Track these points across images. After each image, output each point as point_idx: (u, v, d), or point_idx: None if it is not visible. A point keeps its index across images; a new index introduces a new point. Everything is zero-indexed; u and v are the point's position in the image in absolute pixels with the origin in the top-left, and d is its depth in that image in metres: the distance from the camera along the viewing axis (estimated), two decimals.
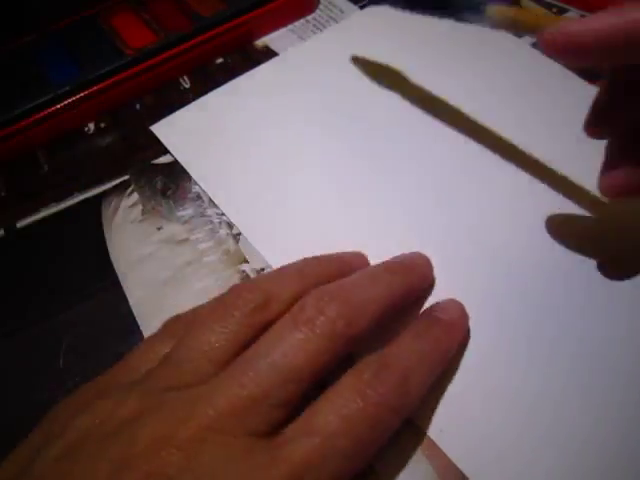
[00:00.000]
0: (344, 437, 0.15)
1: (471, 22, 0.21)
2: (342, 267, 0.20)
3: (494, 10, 0.20)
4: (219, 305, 0.18)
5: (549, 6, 0.32)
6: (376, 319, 0.18)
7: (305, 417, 0.15)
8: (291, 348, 0.16)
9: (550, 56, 0.17)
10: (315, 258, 0.21)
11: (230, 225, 0.25)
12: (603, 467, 0.17)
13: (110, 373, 0.18)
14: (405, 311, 0.20)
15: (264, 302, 0.17)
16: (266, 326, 0.17)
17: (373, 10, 0.33)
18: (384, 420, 0.15)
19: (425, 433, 0.18)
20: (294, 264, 0.20)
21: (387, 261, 0.21)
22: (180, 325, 0.18)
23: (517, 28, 0.20)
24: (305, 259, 0.21)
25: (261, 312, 0.17)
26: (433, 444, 0.18)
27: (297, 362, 0.16)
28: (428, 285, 0.21)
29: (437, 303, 0.20)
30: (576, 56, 0.16)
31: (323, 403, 0.15)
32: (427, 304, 0.21)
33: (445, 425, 0.18)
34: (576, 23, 0.16)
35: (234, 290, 0.18)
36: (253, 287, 0.18)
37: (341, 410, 0.15)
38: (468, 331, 0.20)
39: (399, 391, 0.16)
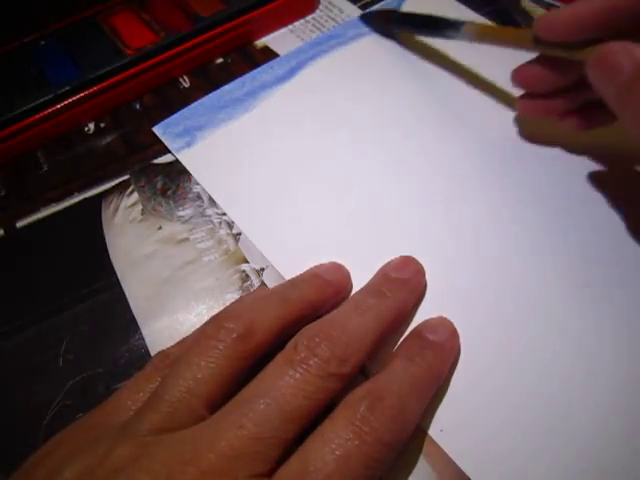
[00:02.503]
0: (341, 478, 0.14)
1: (453, 39, 0.25)
2: (323, 289, 0.20)
3: (470, 27, 0.24)
4: (201, 337, 0.17)
5: (548, 6, 0.32)
6: (368, 352, 0.18)
7: (301, 455, 0.15)
8: (288, 388, 0.16)
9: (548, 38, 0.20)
10: (294, 282, 0.20)
11: (230, 225, 0.25)
12: (602, 466, 0.17)
13: (98, 413, 0.17)
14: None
15: (246, 331, 0.17)
16: (251, 356, 0.17)
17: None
18: (379, 458, 0.15)
19: (425, 433, 0.18)
20: (275, 289, 0.20)
21: (376, 281, 0.20)
22: (167, 361, 0.18)
23: (492, 41, 0.23)
24: (284, 284, 0.21)
25: (244, 342, 0.17)
26: (433, 444, 0.18)
27: (295, 402, 0.16)
28: (419, 295, 0.21)
29: (427, 321, 0.20)
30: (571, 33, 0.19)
31: (319, 440, 0.15)
32: (422, 305, 0.21)
33: (445, 425, 0.18)
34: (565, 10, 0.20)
35: (215, 320, 0.18)
36: (234, 316, 0.18)
37: (337, 450, 0.15)
38: (459, 350, 0.20)
39: (394, 425, 0.16)
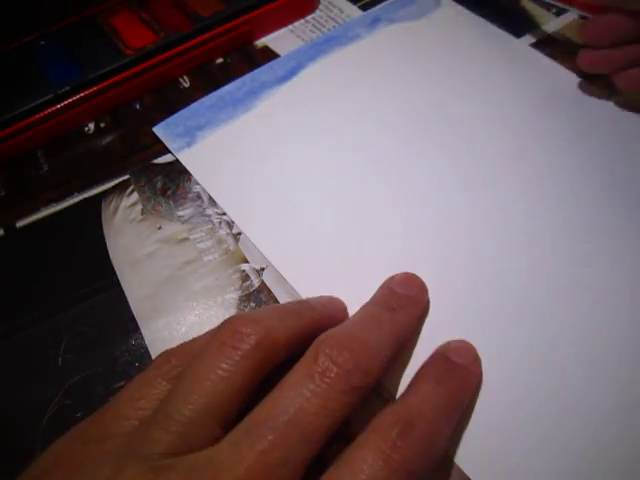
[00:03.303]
0: None
1: None
2: (340, 308, 0.20)
3: None
4: (214, 345, 0.16)
5: (548, 6, 0.32)
6: (388, 363, 0.17)
7: None
8: (310, 405, 0.15)
9: None
10: (310, 299, 0.20)
11: (230, 225, 0.25)
12: (602, 467, 0.17)
13: (97, 421, 0.16)
14: None
15: (265, 338, 0.16)
16: (268, 366, 0.16)
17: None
18: None
19: None
20: (291, 302, 0.20)
21: (383, 295, 0.20)
22: (172, 364, 0.17)
23: None
24: (300, 299, 0.21)
25: (263, 350, 0.16)
26: None
27: (317, 422, 0.15)
28: (424, 313, 0.20)
29: (450, 344, 0.19)
30: None
31: (347, 469, 0.14)
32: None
33: None
34: None
35: (229, 325, 0.17)
36: (252, 320, 0.16)
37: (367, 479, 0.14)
38: (482, 376, 0.19)
39: (425, 454, 0.15)
